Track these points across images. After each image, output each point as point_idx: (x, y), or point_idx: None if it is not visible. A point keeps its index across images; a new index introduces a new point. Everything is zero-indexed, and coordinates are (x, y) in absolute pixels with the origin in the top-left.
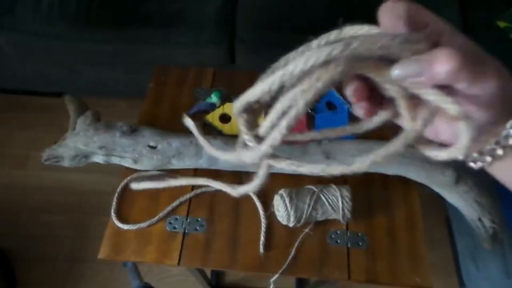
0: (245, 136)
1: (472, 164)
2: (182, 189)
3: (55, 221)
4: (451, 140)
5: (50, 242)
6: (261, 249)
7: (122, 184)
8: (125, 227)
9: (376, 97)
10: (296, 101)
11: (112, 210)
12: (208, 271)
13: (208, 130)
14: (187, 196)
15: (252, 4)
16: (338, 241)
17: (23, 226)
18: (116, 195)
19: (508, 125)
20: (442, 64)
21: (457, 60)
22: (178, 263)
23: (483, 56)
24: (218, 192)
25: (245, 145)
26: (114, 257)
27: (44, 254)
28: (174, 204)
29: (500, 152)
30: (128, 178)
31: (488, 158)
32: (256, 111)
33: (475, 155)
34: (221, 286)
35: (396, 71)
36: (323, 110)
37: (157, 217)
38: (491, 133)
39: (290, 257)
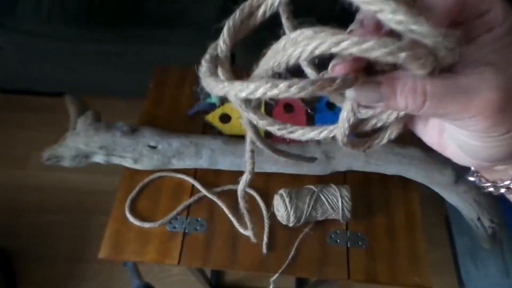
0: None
1: (491, 190)
2: (182, 191)
3: (55, 221)
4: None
5: (50, 242)
6: (264, 250)
7: (146, 180)
8: (137, 222)
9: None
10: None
11: (127, 205)
12: (208, 270)
13: (208, 130)
14: (191, 200)
15: None
16: (338, 241)
17: (23, 226)
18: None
19: None
20: (397, 105)
21: (415, 102)
22: (178, 263)
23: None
24: (219, 192)
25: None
26: (114, 257)
27: (45, 254)
28: (179, 208)
29: None
30: (157, 174)
31: (503, 190)
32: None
33: (488, 184)
34: (221, 286)
35: (351, 93)
36: (323, 110)
37: (160, 221)
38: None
39: (290, 256)
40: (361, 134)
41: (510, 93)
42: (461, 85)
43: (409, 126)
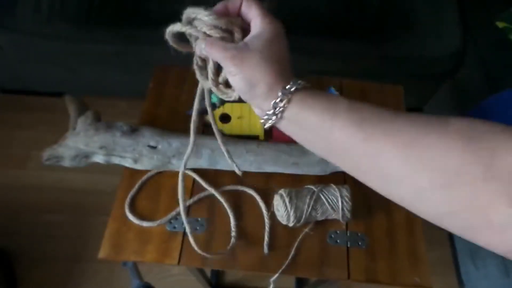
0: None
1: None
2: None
3: (55, 221)
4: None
5: (50, 242)
6: (265, 250)
7: (144, 178)
8: (136, 221)
9: None
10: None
11: (127, 203)
12: (208, 270)
13: (208, 130)
14: (191, 200)
15: None
16: (338, 241)
17: (23, 226)
18: (135, 188)
19: (279, 92)
20: (213, 54)
21: (221, 55)
22: (178, 263)
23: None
24: (219, 192)
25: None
26: (114, 257)
27: (45, 254)
28: (179, 209)
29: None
30: (154, 171)
31: (274, 118)
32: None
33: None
34: (221, 285)
35: (197, 48)
36: None
37: (159, 221)
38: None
39: (290, 256)
40: None
41: (240, 55)
42: (231, 49)
43: None
